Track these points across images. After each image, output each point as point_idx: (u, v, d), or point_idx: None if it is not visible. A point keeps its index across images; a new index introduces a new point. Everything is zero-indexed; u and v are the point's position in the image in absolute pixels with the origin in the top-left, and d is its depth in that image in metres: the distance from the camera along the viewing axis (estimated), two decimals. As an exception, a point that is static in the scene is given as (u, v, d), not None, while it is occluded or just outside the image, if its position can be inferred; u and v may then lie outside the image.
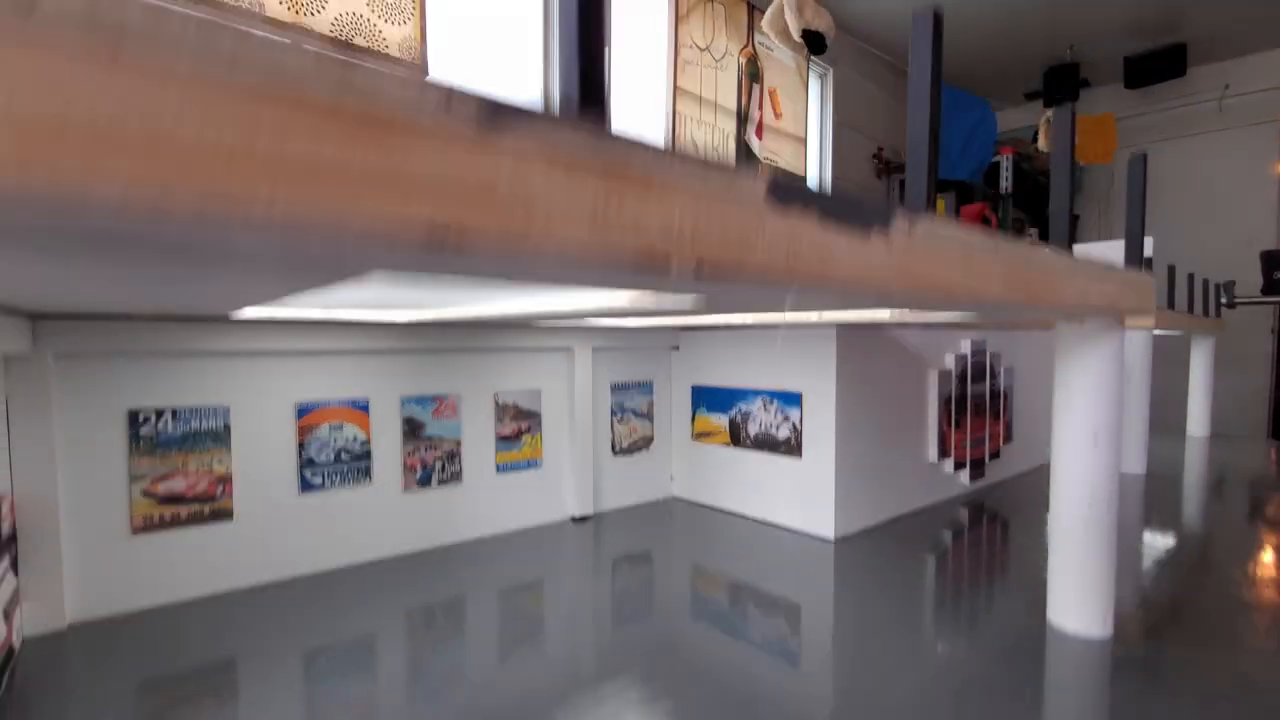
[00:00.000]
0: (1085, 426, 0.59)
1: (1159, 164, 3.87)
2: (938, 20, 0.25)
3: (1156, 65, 3.48)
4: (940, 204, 3.55)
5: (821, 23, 2.16)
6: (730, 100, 3.06)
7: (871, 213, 0.22)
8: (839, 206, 0.21)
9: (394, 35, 1.98)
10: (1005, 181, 3.36)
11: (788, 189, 0.19)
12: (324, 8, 1.82)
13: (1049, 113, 3.27)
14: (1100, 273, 0.39)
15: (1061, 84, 3.70)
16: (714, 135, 2.99)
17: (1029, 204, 3.83)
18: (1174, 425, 2.25)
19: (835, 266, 0.21)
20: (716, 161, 0.19)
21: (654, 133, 2.75)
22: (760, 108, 3.23)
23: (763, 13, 2.92)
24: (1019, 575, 1.01)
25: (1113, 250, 2.00)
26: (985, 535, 1.19)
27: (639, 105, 2.69)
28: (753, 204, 0.18)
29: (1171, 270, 1.20)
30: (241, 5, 1.71)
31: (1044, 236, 3.81)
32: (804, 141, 3.47)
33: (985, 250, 0.29)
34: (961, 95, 3.24)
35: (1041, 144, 3.23)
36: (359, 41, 1.91)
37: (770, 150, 3.27)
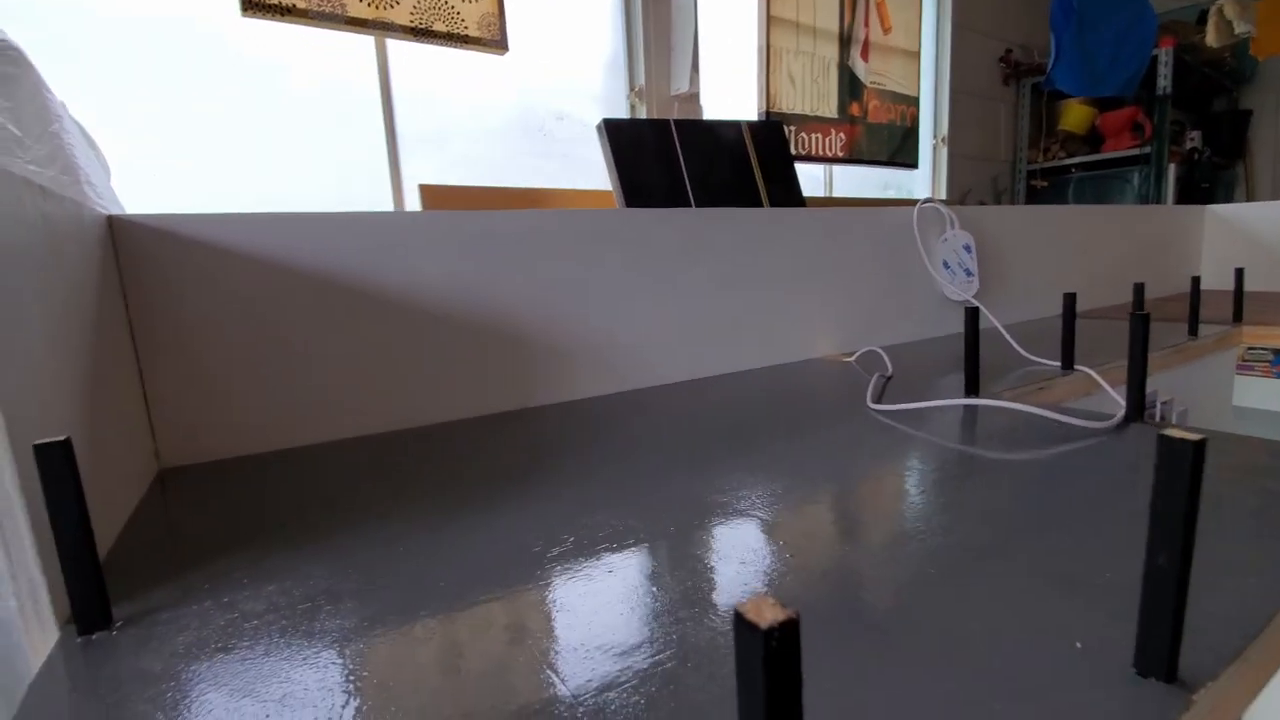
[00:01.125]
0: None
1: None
2: (1198, 453, 0.19)
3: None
4: (1079, 114, 3.10)
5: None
6: (831, 22, 2.77)
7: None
8: None
9: (471, 13, 1.92)
10: (1164, 80, 2.86)
11: None
12: (401, -1, 1.77)
13: (1222, -1, 2.72)
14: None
15: (1241, -52, 3.06)
16: (813, 65, 2.73)
17: (1191, 103, 3.27)
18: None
19: None
20: None
21: (747, 78, 2.54)
22: (866, 24, 2.91)
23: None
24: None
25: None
26: None
27: (729, 51, 2.49)
28: None
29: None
30: (325, 9, 1.69)
31: (1208, 141, 3.26)
32: (917, 55, 3.11)
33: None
34: (1111, -11, 2.74)
35: (1210, 38, 2.71)
36: (439, 27, 1.85)
37: (878, 73, 2.96)
